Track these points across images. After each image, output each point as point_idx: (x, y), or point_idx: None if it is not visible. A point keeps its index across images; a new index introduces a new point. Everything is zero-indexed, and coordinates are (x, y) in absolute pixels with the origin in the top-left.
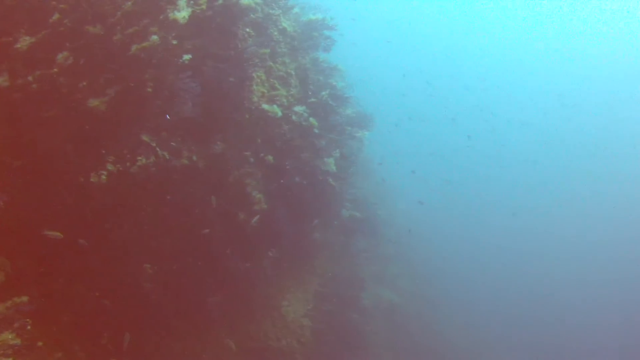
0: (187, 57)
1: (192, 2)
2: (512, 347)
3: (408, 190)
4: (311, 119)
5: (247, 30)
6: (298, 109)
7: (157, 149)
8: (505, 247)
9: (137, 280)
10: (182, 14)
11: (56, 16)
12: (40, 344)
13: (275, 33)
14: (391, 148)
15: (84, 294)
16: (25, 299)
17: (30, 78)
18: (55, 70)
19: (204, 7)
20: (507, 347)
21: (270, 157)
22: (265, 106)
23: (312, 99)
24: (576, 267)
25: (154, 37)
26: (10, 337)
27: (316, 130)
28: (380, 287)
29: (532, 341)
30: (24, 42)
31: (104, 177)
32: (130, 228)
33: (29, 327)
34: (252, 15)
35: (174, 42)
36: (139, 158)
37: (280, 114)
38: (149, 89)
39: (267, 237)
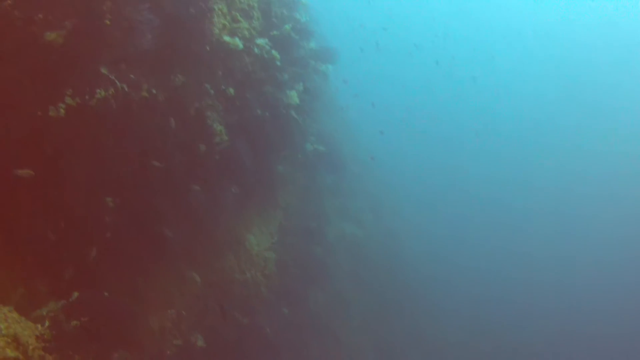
0: None
1: None
2: (477, 278)
3: (370, 121)
4: (273, 52)
5: None
6: (260, 41)
7: (116, 82)
8: (469, 173)
9: (99, 214)
10: None
11: None
12: None
13: None
14: (355, 78)
15: (45, 229)
16: None
17: None
18: (9, 2)
19: None
20: (472, 278)
21: (231, 90)
22: (227, 38)
23: (275, 32)
24: (541, 205)
25: None
26: None
27: (278, 63)
28: (344, 220)
29: (492, 269)
30: None
31: (62, 110)
32: (90, 161)
33: None
34: None
35: None
36: (98, 91)
37: (241, 46)
38: (107, 22)
39: (229, 169)
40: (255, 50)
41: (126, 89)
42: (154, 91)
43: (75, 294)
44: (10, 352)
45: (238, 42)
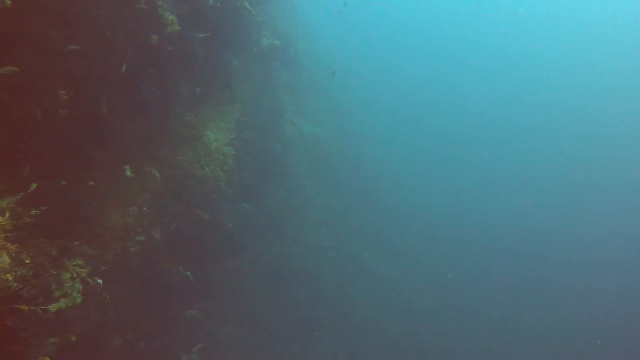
0: None
1: None
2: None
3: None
4: None
5: None
6: None
7: None
8: (429, 74)
9: (52, 108)
10: None
11: None
12: None
13: None
14: None
15: None
16: None
17: None
18: None
19: None
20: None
21: None
22: None
23: None
24: None
25: None
26: None
27: None
28: (302, 119)
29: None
30: None
31: (8, 1)
32: (40, 54)
33: None
34: None
35: None
36: None
37: None
38: None
39: (183, 62)
40: None
41: None
42: None
43: (34, 186)
44: None
45: None
